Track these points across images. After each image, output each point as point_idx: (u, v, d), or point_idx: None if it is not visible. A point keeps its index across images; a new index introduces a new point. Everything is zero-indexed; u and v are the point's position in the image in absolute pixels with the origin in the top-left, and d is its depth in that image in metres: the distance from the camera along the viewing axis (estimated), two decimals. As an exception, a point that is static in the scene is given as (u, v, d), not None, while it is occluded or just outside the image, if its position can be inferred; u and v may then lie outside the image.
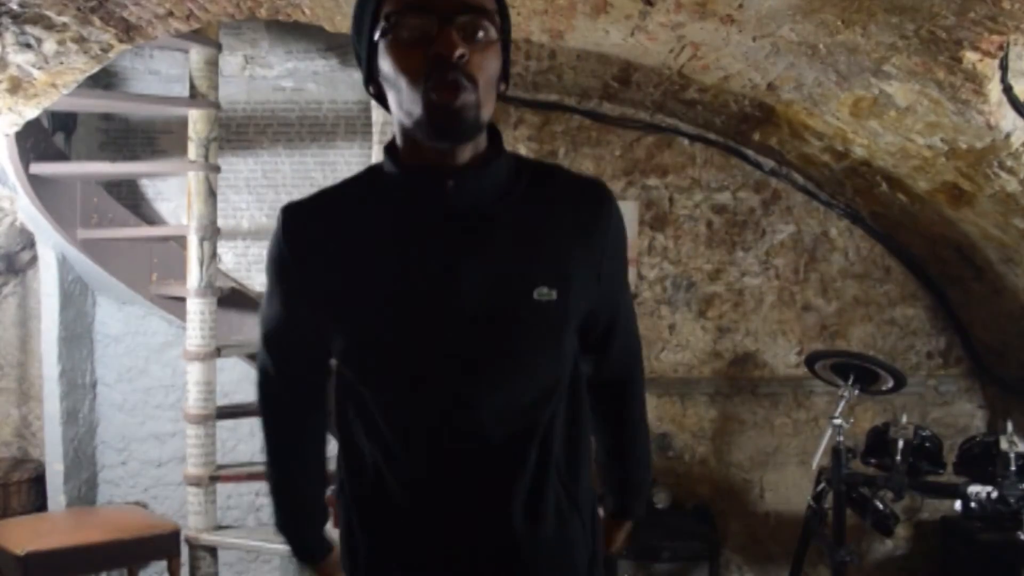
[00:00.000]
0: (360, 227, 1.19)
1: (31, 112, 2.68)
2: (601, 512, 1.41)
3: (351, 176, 1.28)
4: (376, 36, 1.12)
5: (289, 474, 1.48)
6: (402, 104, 1.11)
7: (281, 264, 1.24)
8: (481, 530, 1.20)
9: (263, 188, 3.96)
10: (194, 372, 3.32)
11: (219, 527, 3.44)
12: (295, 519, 1.52)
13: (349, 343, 1.21)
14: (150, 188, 3.99)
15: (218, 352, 3.38)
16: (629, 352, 1.43)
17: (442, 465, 1.19)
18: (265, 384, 1.39)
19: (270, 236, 1.26)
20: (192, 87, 3.36)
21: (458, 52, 1.05)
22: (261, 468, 3.61)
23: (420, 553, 1.23)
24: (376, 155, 2.94)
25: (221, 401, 3.47)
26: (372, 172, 1.25)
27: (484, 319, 1.15)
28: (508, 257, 1.17)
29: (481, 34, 1.10)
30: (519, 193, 1.20)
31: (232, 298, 3.76)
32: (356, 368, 1.23)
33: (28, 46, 2.26)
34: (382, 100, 1.17)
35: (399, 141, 1.18)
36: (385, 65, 1.11)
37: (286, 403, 1.40)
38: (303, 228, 1.22)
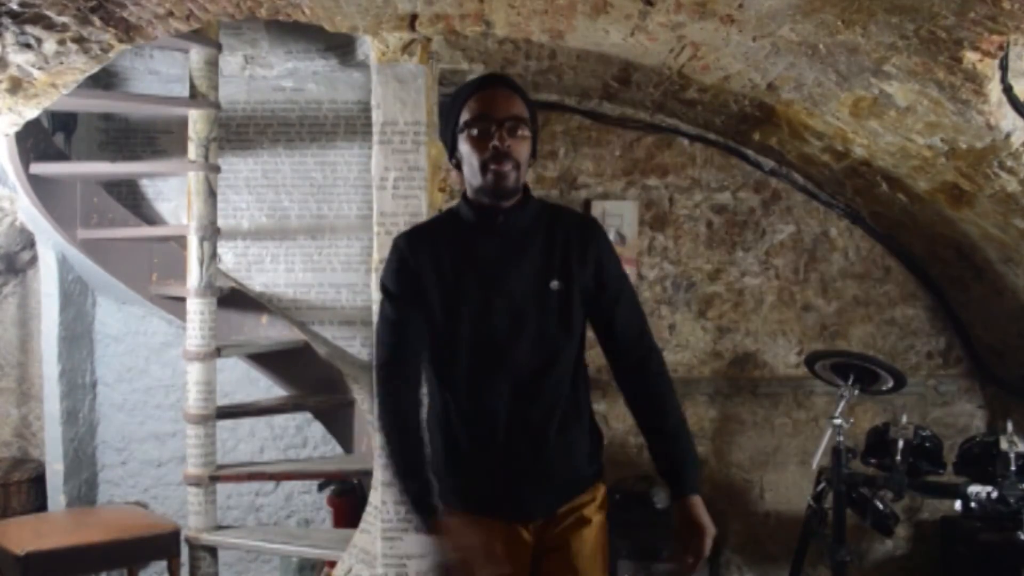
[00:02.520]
0: (448, 247, 1.90)
1: (31, 112, 2.68)
2: (666, 500, 1.91)
3: (441, 213, 2.08)
4: (458, 130, 1.86)
5: (406, 431, 1.91)
6: (473, 173, 1.85)
7: (401, 275, 1.90)
8: (515, 432, 1.88)
9: (263, 188, 3.96)
10: (194, 372, 3.32)
11: (219, 527, 3.44)
12: (414, 473, 1.89)
13: (442, 319, 1.87)
14: (150, 188, 3.98)
15: (218, 352, 3.38)
16: (635, 322, 1.97)
17: (495, 397, 1.87)
18: (385, 367, 1.93)
19: (386, 259, 1.98)
20: (192, 87, 3.36)
21: (506, 144, 1.81)
22: (261, 468, 3.64)
23: (484, 452, 1.89)
24: (376, 155, 2.95)
25: (221, 401, 3.47)
26: (452, 211, 1.97)
27: (521, 301, 1.87)
28: (535, 262, 1.89)
29: (520, 132, 1.84)
30: (542, 223, 1.93)
31: (232, 298, 3.76)
32: (444, 339, 1.88)
33: (28, 46, 2.26)
34: (458, 168, 1.91)
35: (469, 194, 1.91)
36: (463, 149, 1.86)
37: (400, 381, 1.92)
38: (416, 248, 1.91)
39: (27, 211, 3.50)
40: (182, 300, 3.42)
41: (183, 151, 3.43)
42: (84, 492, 3.93)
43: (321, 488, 3.91)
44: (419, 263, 1.89)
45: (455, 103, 1.88)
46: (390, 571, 2.87)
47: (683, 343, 4.00)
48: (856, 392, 3.13)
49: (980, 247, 3.26)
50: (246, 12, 2.56)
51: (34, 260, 3.93)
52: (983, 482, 2.90)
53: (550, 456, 1.89)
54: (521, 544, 1.90)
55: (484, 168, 1.80)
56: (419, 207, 2.92)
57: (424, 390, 1.95)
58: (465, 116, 1.85)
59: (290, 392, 3.88)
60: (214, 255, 3.39)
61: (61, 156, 3.66)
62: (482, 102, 1.83)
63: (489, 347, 1.87)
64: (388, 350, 1.94)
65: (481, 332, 1.87)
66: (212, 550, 3.38)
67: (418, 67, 2.94)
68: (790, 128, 3.31)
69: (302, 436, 4.07)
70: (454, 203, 1.98)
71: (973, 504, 2.88)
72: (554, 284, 1.87)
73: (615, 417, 3.84)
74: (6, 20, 2.12)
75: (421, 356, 1.93)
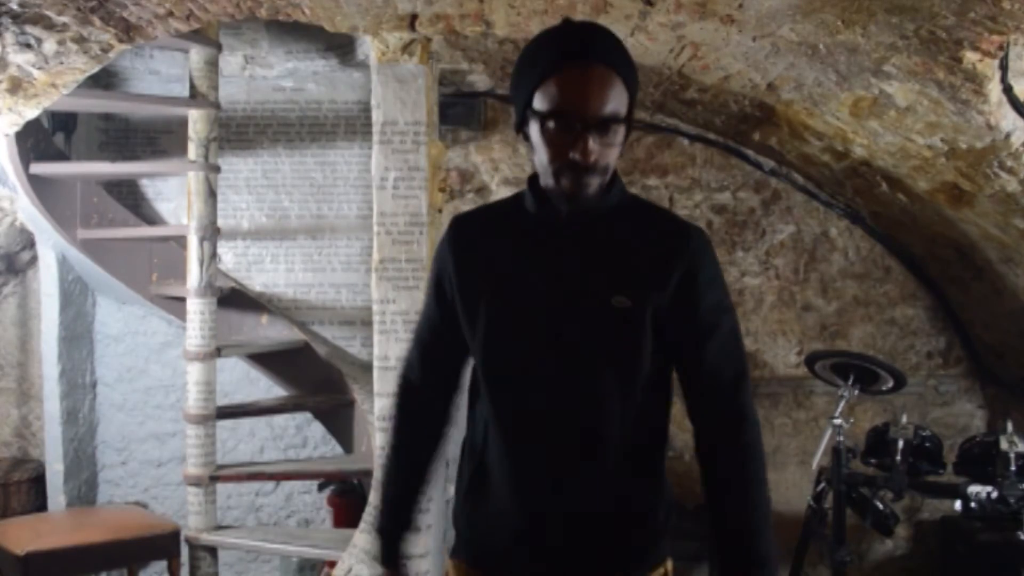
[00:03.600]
0: (504, 235, 1.53)
1: (31, 112, 2.68)
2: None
3: (503, 198, 1.64)
4: (529, 110, 1.41)
5: (399, 468, 1.66)
6: (540, 167, 1.44)
7: (439, 269, 1.57)
8: (551, 489, 1.46)
9: (263, 188, 3.96)
10: (194, 372, 3.32)
11: (219, 527, 3.44)
12: (392, 514, 1.66)
13: (480, 333, 1.50)
14: (150, 188, 3.98)
15: (218, 352, 3.38)
16: (726, 374, 1.45)
17: (530, 437, 1.47)
18: (401, 383, 1.68)
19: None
20: (192, 87, 3.36)
21: (592, 159, 1.37)
22: (261, 468, 3.64)
23: (514, 505, 1.49)
24: (376, 155, 2.95)
25: (221, 401, 3.47)
26: (516, 197, 1.58)
27: (572, 317, 1.45)
28: (598, 270, 1.46)
29: (613, 134, 1.40)
30: (623, 222, 1.49)
31: (232, 298, 3.76)
32: (482, 357, 1.52)
33: (28, 46, 2.26)
34: (527, 139, 1.47)
35: (540, 179, 1.48)
36: (534, 132, 1.42)
37: (415, 404, 1.66)
38: (462, 237, 1.56)
39: (27, 211, 3.50)
40: (182, 300, 3.42)
41: (183, 151, 3.43)
42: (84, 492, 3.93)
43: (321, 488, 3.91)
44: (462, 257, 1.53)
45: (529, 69, 1.41)
46: (390, 571, 2.86)
47: (683, 343, 4.00)
48: (856, 392, 3.13)
49: (980, 247, 3.26)
50: (246, 12, 2.56)
51: (34, 260, 3.93)
52: (983, 482, 2.89)
53: (598, 532, 1.47)
54: None
55: (558, 175, 1.39)
56: (419, 207, 2.91)
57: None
58: (542, 102, 1.38)
59: (290, 392, 3.88)
60: (214, 255, 3.39)
61: (61, 156, 3.66)
62: (567, 91, 1.36)
63: (525, 370, 1.47)
64: (408, 362, 1.67)
65: (517, 352, 1.48)
66: (212, 550, 3.38)
67: (418, 67, 2.94)
68: (790, 128, 3.31)
69: (302, 436, 4.07)
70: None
71: (973, 504, 2.88)
72: (619, 300, 1.42)
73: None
74: (6, 20, 2.12)
75: (452, 377, 1.63)
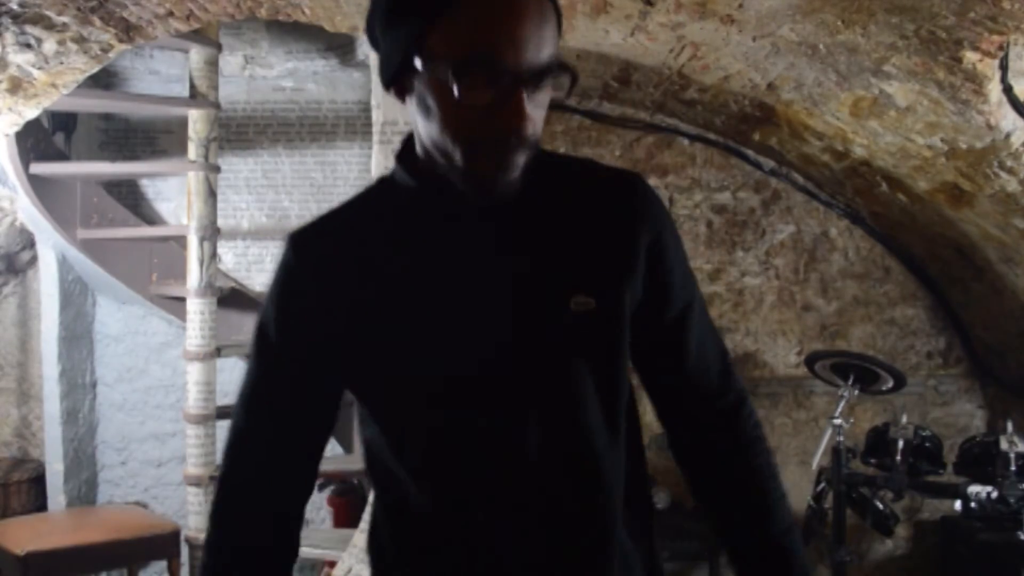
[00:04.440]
0: (374, 245, 1.04)
1: (31, 112, 2.68)
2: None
3: (359, 193, 1.12)
4: (422, 56, 0.94)
5: None
6: (436, 141, 0.97)
7: (286, 305, 1.07)
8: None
9: (263, 188, 3.96)
10: (194, 372, 3.32)
11: (219, 527, 3.44)
12: None
13: (368, 374, 1.05)
14: (150, 188, 3.98)
15: (218, 352, 3.38)
16: (714, 354, 1.15)
17: (481, 505, 1.04)
18: (231, 456, 1.14)
19: (274, 267, 1.09)
20: (192, 87, 3.36)
21: (528, 130, 0.94)
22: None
23: None
24: (376, 155, 2.94)
25: (221, 401, 3.47)
26: (383, 185, 1.10)
27: (515, 338, 1.02)
28: (537, 266, 1.03)
29: (544, 88, 0.95)
30: (545, 194, 1.04)
31: (232, 298, 3.76)
32: (375, 402, 1.08)
33: (28, 46, 2.26)
34: (402, 98, 1.00)
35: (420, 153, 1.02)
36: (426, 90, 0.95)
37: (251, 488, 1.12)
38: (313, 253, 1.07)
39: (27, 211, 3.51)
40: (182, 300, 3.42)
41: (183, 151, 3.43)
42: (84, 492, 3.93)
43: (321, 488, 3.91)
44: (326, 290, 1.04)
45: None
46: (390, 571, 2.86)
47: (683, 343, 4.00)
48: (856, 392, 3.13)
49: (980, 247, 3.26)
50: (246, 12, 2.56)
51: (34, 260, 3.93)
52: (983, 482, 2.89)
53: None
54: None
55: (473, 154, 0.95)
56: (419, 207, 2.91)
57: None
58: (446, 45, 0.92)
59: (290, 392, 3.88)
60: (214, 255, 3.39)
61: (61, 156, 3.66)
62: (489, 25, 0.91)
63: (461, 424, 1.03)
64: (234, 457, 1.15)
65: (446, 398, 1.03)
66: (212, 550, 3.38)
67: (418, 67, 2.93)
68: (790, 128, 3.31)
69: (302, 436, 4.07)
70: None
71: (973, 504, 2.88)
72: (579, 301, 1.02)
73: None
74: (6, 20, 2.12)
75: (309, 472, 1.13)
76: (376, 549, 1.18)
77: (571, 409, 1.04)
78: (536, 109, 0.95)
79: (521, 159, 0.96)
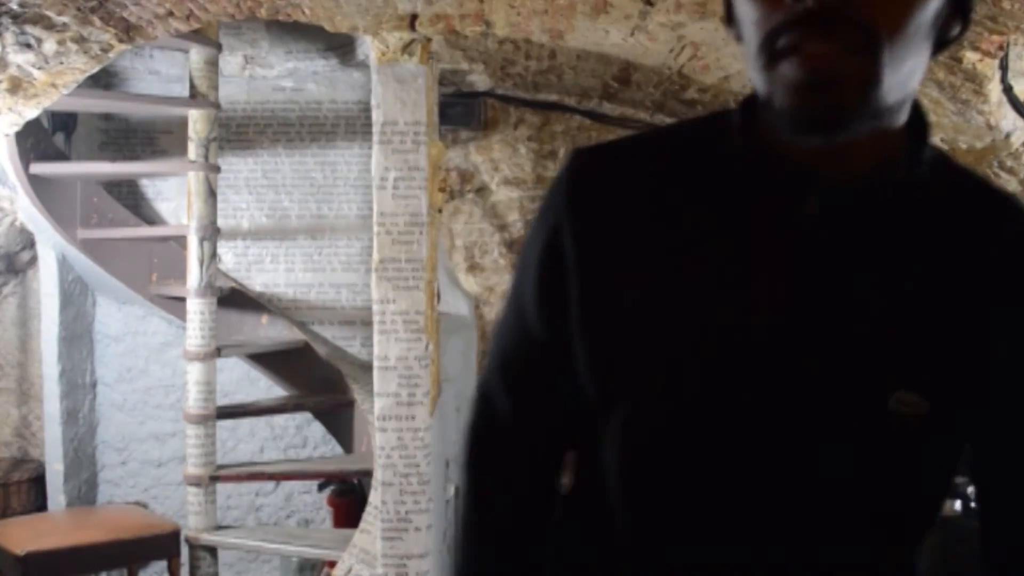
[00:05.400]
0: (681, 214, 0.79)
1: (31, 112, 2.68)
2: None
3: (685, 123, 0.89)
4: None
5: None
6: (753, 63, 0.71)
7: (556, 236, 0.82)
8: None
9: (263, 188, 3.96)
10: (194, 372, 3.32)
11: (219, 527, 3.44)
12: None
13: (655, 373, 0.79)
14: (150, 188, 3.98)
15: (218, 352, 3.38)
16: None
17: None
18: (487, 435, 0.93)
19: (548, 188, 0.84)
20: (192, 87, 3.36)
21: (840, 3, 0.65)
22: (261, 468, 3.64)
23: None
24: (376, 155, 2.93)
25: (221, 401, 3.47)
26: (717, 133, 0.80)
27: (814, 420, 0.74)
28: (862, 340, 0.74)
29: None
30: (927, 229, 0.75)
31: (232, 298, 3.76)
32: (634, 421, 0.80)
33: (28, 46, 2.26)
34: (738, 37, 0.75)
35: (768, 111, 0.72)
36: (740, 7, 0.72)
37: (518, 469, 0.91)
38: (600, 187, 0.81)
39: (27, 211, 3.51)
40: (182, 300, 3.42)
41: (183, 151, 3.43)
42: (84, 492, 3.93)
43: (321, 488, 3.91)
44: (588, 231, 0.81)
45: None
46: (390, 571, 2.87)
47: (683, 343, 4.00)
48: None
49: (980, 247, 3.26)
50: (246, 12, 2.56)
51: (34, 260, 3.93)
52: (983, 482, 2.89)
53: None
54: None
55: (775, 52, 0.68)
56: (419, 207, 2.91)
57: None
58: None
59: (290, 392, 3.88)
60: (214, 255, 3.39)
61: (61, 156, 3.66)
62: None
63: (722, 495, 0.77)
64: (506, 406, 0.90)
65: (712, 456, 0.77)
66: (212, 550, 3.38)
67: (418, 67, 2.94)
68: (790, 128, 3.31)
69: (302, 436, 4.07)
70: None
71: (973, 504, 2.88)
72: (902, 399, 0.73)
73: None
74: (6, 20, 2.12)
75: (562, 430, 0.90)
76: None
77: (854, 522, 0.77)
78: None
79: (850, 57, 0.66)
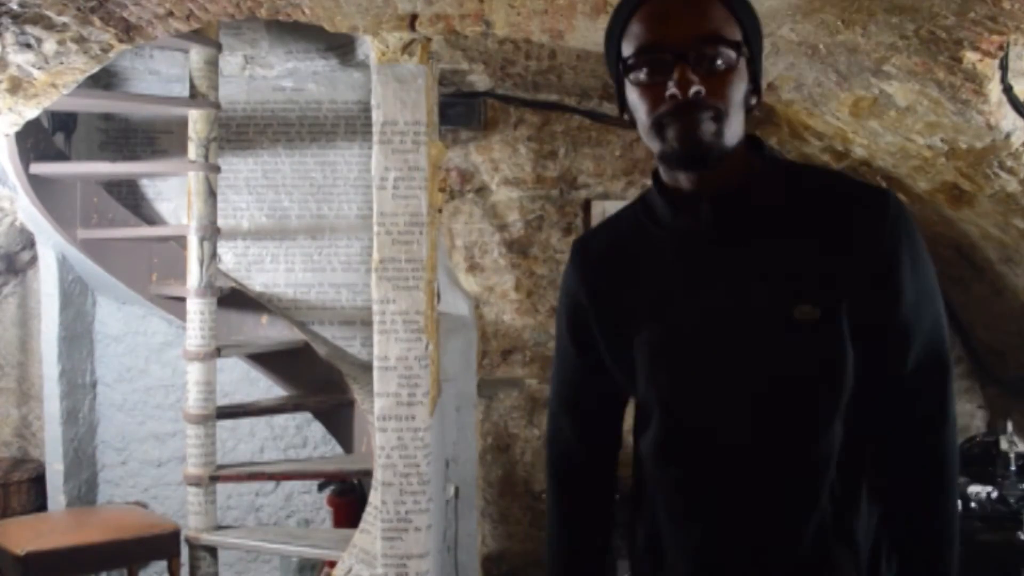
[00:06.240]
0: (638, 251, 1.27)
1: (31, 112, 2.68)
2: None
3: (631, 202, 1.35)
4: (621, 72, 1.18)
5: (577, 555, 1.42)
6: (645, 133, 1.16)
7: (568, 304, 1.35)
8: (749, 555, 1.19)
9: (263, 188, 3.96)
10: (194, 372, 3.32)
11: (219, 527, 3.44)
12: None
13: (635, 381, 1.27)
14: (150, 188, 3.98)
15: (218, 352, 3.38)
16: (925, 381, 1.18)
17: (699, 511, 1.22)
18: (562, 455, 1.42)
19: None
20: (192, 87, 3.36)
21: (692, 91, 1.09)
22: (261, 468, 3.64)
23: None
24: (376, 155, 2.94)
25: (221, 401, 3.47)
26: (646, 198, 1.30)
27: (744, 346, 1.16)
28: (765, 278, 1.16)
29: (720, 62, 1.11)
30: (786, 211, 1.19)
31: (232, 298, 3.76)
32: (639, 409, 1.29)
33: (28, 46, 2.26)
34: (635, 126, 1.20)
35: (661, 172, 1.25)
36: (631, 98, 1.18)
37: (588, 473, 1.42)
38: (592, 258, 1.33)
39: (27, 211, 3.51)
40: (182, 300, 3.42)
41: (183, 151, 3.43)
42: (84, 492, 3.93)
43: (321, 488, 3.91)
44: (596, 287, 1.31)
45: (613, 22, 1.18)
46: (390, 571, 2.87)
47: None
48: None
49: (980, 247, 3.26)
50: (246, 12, 2.56)
51: (34, 260, 3.93)
52: (983, 482, 2.89)
53: None
54: None
55: (661, 128, 1.13)
56: (419, 207, 2.91)
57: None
58: (627, 48, 1.15)
59: (290, 392, 3.88)
60: (214, 255, 3.39)
61: (61, 156, 3.66)
62: (649, 21, 1.13)
63: (682, 426, 1.23)
64: (555, 428, 1.43)
65: (671, 401, 1.23)
66: (212, 550, 3.38)
67: (418, 67, 2.94)
68: (790, 128, 3.31)
69: (302, 436, 4.07)
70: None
71: (973, 504, 2.88)
72: (804, 310, 1.13)
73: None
74: (6, 20, 2.12)
75: (612, 430, 1.41)
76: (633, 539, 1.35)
77: (781, 404, 1.16)
78: (712, 80, 1.10)
79: (702, 120, 1.11)
